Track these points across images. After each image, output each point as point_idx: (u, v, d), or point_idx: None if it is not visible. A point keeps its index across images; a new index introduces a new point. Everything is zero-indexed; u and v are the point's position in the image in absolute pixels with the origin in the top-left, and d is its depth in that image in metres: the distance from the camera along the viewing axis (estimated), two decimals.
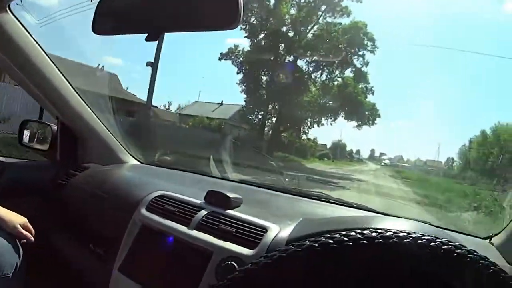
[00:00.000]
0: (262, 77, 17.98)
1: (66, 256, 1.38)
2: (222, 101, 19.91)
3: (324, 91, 17.54)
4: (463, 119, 23.45)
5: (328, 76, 17.63)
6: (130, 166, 1.66)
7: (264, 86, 18.01)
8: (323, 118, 17.67)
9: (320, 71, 17.61)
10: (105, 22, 0.84)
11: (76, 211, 1.38)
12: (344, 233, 0.60)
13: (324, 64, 17.13)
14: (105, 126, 1.59)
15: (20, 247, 1.09)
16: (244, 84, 17.93)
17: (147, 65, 12.51)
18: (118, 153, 1.66)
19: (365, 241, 0.58)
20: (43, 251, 1.19)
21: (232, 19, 0.72)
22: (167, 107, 20.85)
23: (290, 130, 18.88)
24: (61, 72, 1.38)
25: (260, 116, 18.14)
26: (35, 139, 1.67)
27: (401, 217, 1.31)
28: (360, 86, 17.14)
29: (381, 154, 24.76)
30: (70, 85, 1.43)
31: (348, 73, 17.46)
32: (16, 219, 1.09)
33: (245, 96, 18.25)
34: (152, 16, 0.78)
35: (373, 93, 17.34)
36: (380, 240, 0.58)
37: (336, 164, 18.87)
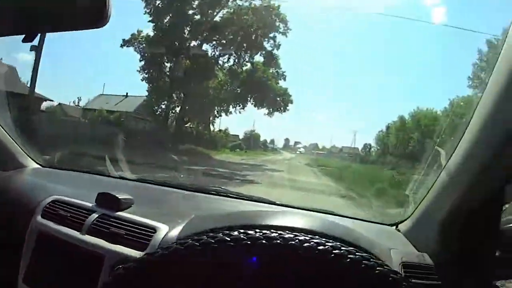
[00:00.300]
0: (166, 63, 17.75)
1: None
2: (127, 93, 19.34)
3: (231, 77, 17.69)
4: (381, 106, 25.80)
5: (236, 60, 17.81)
6: (31, 170, 1.70)
7: (167, 73, 17.82)
8: (231, 106, 17.84)
9: (227, 56, 17.72)
10: None
11: None
12: (227, 232, 0.62)
13: (232, 47, 17.27)
14: (2, 128, 1.59)
15: None
16: (146, 72, 17.52)
17: (31, 50, 11.72)
18: (18, 157, 1.67)
19: (248, 242, 0.59)
20: None
21: (100, 18, 0.78)
22: (76, 103, 19.46)
23: (196, 120, 18.96)
24: None
25: (163, 107, 17.95)
26: None
27: (305, 209, 1.35)
28: (270, 71, 17.49)
29: (296, 143, 26.10)
30: None
31: (258, 57, 17.77)
32: None
33: (148, 85, 17.86)
34: (25, 18, 0.80)
35: (284, 79, 17.77)
36: (263, 242, 0.59)
37: (248, 155, 19.43)
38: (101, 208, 1.14)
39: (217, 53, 17.45)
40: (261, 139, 24.65)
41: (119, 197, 1.15)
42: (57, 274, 1.05)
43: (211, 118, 18.89)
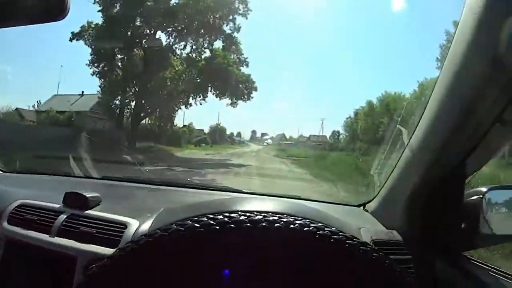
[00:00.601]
0: (117, 55, 17.51)
1: None
2: (83, 92, 19.54)
3: (189, 66, 17.65)
4: (348, 92, 26.35)
5: (194, 47, 17.76)
6: None
7: (119, 66, 17.62)
8: (190, 98, 17.78)
9: (183, 42, 17.64)
10: None
11: None
12: (211, 216, 0.63)
13: (188, 33, 17.16)
14: None
15: None
16: (97, 66, 17.30)
17: None
18: None
19: (232, 225, 0.61)
20: None
21: (60, 9, 0.77)
22: (36, 107, 19.37)
23: (154, 115, 18.91)
24: None
25: (118, 103, 17.67)
26: None
27: (272, 195, 1.44)
28: (231, 57, 17.52)
29: (263, 134, 26.49)
30: None
31: (217, 43, 17.76)
32: None
33: (100, 80, 17.61)
34: None
35: (247, 65, 17.85)
36: (248, 224, 0.61)
37: (214, 149, 19.61)
38: (69, 208, 1.18)
39: (172, 40, 17.40)
40: (228, 132, 24.87)
41: (87, 196, 1.20)
42: (28, 279, 1.08)
43: (171, 113, 18.88)
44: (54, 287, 1.03)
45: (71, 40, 16.62)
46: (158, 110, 18.53)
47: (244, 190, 1.54)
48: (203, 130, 22.69)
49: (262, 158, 16.13)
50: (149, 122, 19.09)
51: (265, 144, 25.06)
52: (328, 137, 23.25)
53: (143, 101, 17.39)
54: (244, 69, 17.79)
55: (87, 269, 0.91)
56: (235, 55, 17.64)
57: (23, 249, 1.13)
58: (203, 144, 20.76)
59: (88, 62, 17.05)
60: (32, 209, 1.22)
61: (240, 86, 17.54)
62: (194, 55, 17.69)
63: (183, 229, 0.62)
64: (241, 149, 21.64)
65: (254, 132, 27.70)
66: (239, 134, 26.71)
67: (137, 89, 17.45)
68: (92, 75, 17.27)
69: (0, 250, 1.16)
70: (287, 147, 22.52)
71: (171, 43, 17.40)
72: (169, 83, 17.07)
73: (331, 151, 18.90)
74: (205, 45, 17.78)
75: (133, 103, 17.74)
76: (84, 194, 1.20)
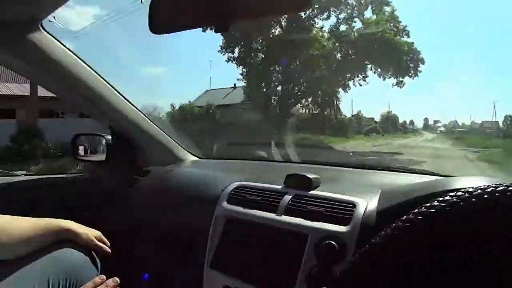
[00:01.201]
0: (254, 36, 18.14)
1: (146, 261, 1.72)
2: (235, 84, 21.28)
3: (338, 40, 17.23)
4: None
5: (340, 16, 17.46)
6: (191, 163, 2.07)
7: (258, 48, 18.36)
8: (346, 79, 17.50)
9: (326, 12, 17.48)
10: (163, 21, 1.01)
11: (148, 215, 1.73)
12: (453, 194, 0.65)
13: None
14: (157, 127, 1.95)
15: (97, 260, 1.37)
16: (230, 50, 18.52)
17: None
18: (176, 151, 2.05)
19: (473, 199, 0.63)
20: (121, 260, 1.43)
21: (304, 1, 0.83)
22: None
23: (307, 102, 19.05)
24: (105, 80, 1.69)
25: (266, 91, 18.37)
26: (90, 152, 2.06)
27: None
28: (387, 25, 16.78)
29: (435, 121, 25.57)
30: (117, 91, 1.75)
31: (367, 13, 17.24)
32: (91, 232, 1.37)
33: (239, 67, 18.78)
34: (216, 6, 0.90)
35: (407, 34, 17.00)
36: (486, 196, 0.63)
37: (385, 139, 19.69)
38: (292, 189, 1.33)
39: (313, 12, 17.29)
40: (400, 120, 24.58)
41: (310, 177, 1.33)
42: (249, 256, 1.25)
43: (329, 98, 18.89)
44: (277, 263, 1.18)
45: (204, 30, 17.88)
46: (311, 95, 18.61)
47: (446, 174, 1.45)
48: (373, 118, 22.99)
49: (441, 152, 15.29)
50: (305, 110, 19.41)
51: (438, 132, 24.04)
52: (500, 122, 21.33)
53: (289, 87, 17.77)
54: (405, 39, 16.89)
55: (319, 246, 1.08)
56: (391, 23, 16.99)
57: (242, 227, 1.30)
58: (374, 134, 20.80)
59: (220, 48, 18.25)
60: (253, 190, 1.38)
61: (404, 58, 16.69)
62: (342, 27, 17.53)
63: (459, 200, 0.64)
64: (414, 138, 21.11)
65: (426, 119, 26.90)
66: (411, 122, 26.29)
67: (279, 73, 18.00)
68: (227, 61, 18.48)
69: (220, 228, 1.35)
70: (461, 135, 21.62)
71: (311, 15, 17.42)
72: (317, 62, 16.82)
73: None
74: (354, 14, 17.53)
75: (279, 89, 18.26)
76: (306, 175, 1.33)
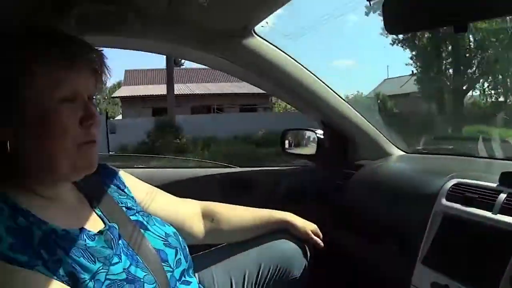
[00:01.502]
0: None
1: (355, 255, 1.74)
2: (412, 71, 19.76)
3: None
4: None
5: None
6: (399, 158, 2.02)
7: None
8: None
9: None
10: (398, 21, 1.01)
11: (360, 210, 1.73)
12: None
13: None
14: (367, 121, 1.95)
15: (308, 252, 1.40)
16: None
17: None
18: (385, 146, 2.02)
19: None
20: (328, 252, 1.45)
21: None
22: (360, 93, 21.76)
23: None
24: (316, 76, 1.74)
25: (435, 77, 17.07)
26: (298, 146, 2.15)
27: None
28: None
29: None
30: (327, 86, 1.79)
31: None
32: (308, 226, 1.42)
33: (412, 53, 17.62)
34: (453, 5, 0.87)
35: None
36: None
37: None
38: (506, 187, 1.26)
39: None
40: None
41: None
42: (460, 254, 1.23)
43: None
44: (490, 262, 1.15)
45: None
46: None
47: None
48: None
49: None
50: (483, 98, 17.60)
51: None
52: None
53: (461, 69, 16.30)
54: None
55: None
56: None
57: (459, 224, 1.27)
58: None
59: (381, 30, 17.40)
60: (470, 187, 1.34)
61: None
62: None
63: None
64: None
65: None
66: None
67: (449, 54, 16.67)
68: (392, 44, 17.55)
69: (437, 224, 1.33)
70: None
71: None
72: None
73: None
74: None
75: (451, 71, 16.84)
76: None
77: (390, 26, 1.01)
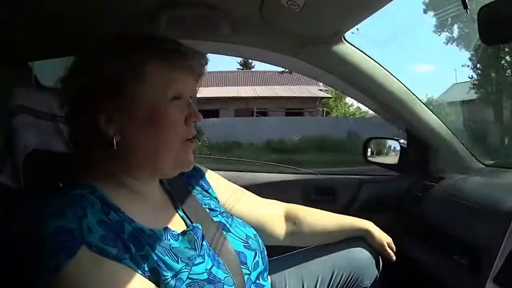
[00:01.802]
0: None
1: (425, 268, 1.69)
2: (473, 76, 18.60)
3: None
4: None
5: None
6: (479, 171, 1.96)
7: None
8: None
9: None
10: (494, 30, 1.02)
11: (437, 223, 1.70)
12: None
13: None
14: (451, 132, 1.91)
15: (380, 263, 1.42)
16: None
17: None
18: (466, 158, 1.98)
19: None
20: (399, 264, 1.46)
21: None
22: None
23: None
24: (403, 85, 1.73)
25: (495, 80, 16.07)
26: (381, 154, 2.15)
27: None
28: None
29: None
30: (414, 94, 1.77)
31: None
32: (384, 237, 1.43)
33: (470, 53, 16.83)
34: None
35: None
36: None
37: None
38: None
39: None
40: None
41: None
42: None
43: None
44: None
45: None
46: None
47: None
48: None
49: None
50: None
51: None
52: None
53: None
54: None
55: None
56: None
57: None
58: None
59: (434, 28, 16.74)
60: None
61: None
62: None
63: None
64: None
65: None
66: None
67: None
68: (446, 43, 17.09)
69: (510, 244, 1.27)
70: None
71: None
72: None
73: None
74: None
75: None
76: None
77: (486, 37, 1.01)
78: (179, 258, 0.86)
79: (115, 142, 0.89)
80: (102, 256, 0.76)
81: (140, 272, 0.80)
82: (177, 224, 1.00)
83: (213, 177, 1.27)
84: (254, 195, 1.39)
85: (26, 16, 1.24)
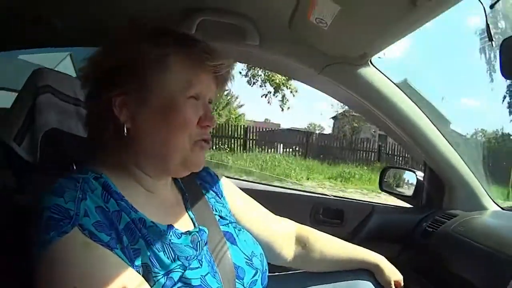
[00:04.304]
0: None
1: None
2: None
3: None
4: None
5: None
6: (494, 213, 1.91)
7: None
8: None
9: None
10: None
11: (444, 260, 1.65)
12: None
13: None
14: (470, 170, 1.88)
15: None
16: None
17: None
18: (482, 198, 1.93)
19: None
20: None
21: None
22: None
23: None
24: (426, 116, 1.72)
25: None
26: (397, 185, 2.13)
27: None
28: None
29: None
30: (437, 128, 1.75)
31: None
32: (393, 276, 1.36)
33: None
34: None
35: None
36: None
37: None
38: None
39: None
40: None
41: None
42: None
43: None
44: None
45: None
46: None
47: None
48: None
49: None
50: None
51: None
52: None
53: None
54: None
55: None
56: None
57: None
58: None
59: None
60: None
61: None
62: None
63: None
64: None
65: None
66: None
67: None
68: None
69: None
70: None
71: None
72: None
73: None
74: None
75: None
76: None
77: (507, 70, 1.01)
78: (176, 256, 0.85)
79: (125, 129, 0.89)
80: (93, 241, 0.77)
81: (130, 265, 0.79)
82: (183, 224, 0.99)
83: (228, 186, 1.26)
84: (267, 211, 1.35)
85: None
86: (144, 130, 0.91)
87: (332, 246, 1.37)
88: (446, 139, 1.79)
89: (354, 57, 1.50)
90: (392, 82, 1.63)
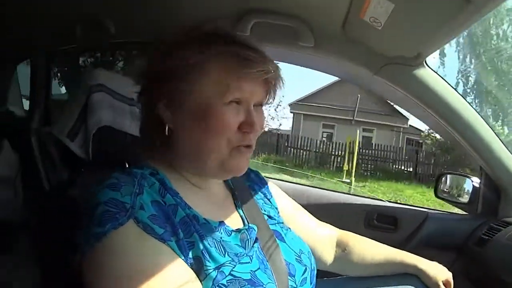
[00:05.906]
0: None
1: None
2: None
3: None
4: None
5: None
6: None
7: None
8: None
9: None
10: None
11: (499, 270, 1.61)
12: None
13: None
14: None
15: None
16: None
17: None
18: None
19: None
20: None
21: None
22: None
23: None
24: (483, 119, 1.66)
25: None
26: (453, 191, 2.07)
27: None
28: None
29: None
30: (494, 132, 1.70)
31: None
32: (440, 276, 1.30)
33: None
34: None
35: None
36: None
37: None
38: None
39: None
40: None
41: None
42: None
43: None
44: None
45: None
46: None
47: None
48: None
49: None
50: None
51: None
52: None
53: None
54: None
55: None
56: None
57: None
58: None
59: None
60: None
61: None
62: None
63: None
64: None
65: None
66: None
67: None
68: None
69: None
70: None
71: None
72: None
73: None
74: None
75: None
76: None
77: None
78: (226, 252, 0.87)
79: (167, 129, 0.92)
80: (147, 233, 0.79)
81: (183, 258, 0.81)
82: (233, 221, 1.00)
83: (274, 188, 1.27)
84: (311, 215, 1.36)
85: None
86: (182, 132, 0.93)
87: (371, 249, 1.36)
88: (504, 145, 1.73)
89: (410, 57, 1.49)
90: (448, 83, 1.60)
